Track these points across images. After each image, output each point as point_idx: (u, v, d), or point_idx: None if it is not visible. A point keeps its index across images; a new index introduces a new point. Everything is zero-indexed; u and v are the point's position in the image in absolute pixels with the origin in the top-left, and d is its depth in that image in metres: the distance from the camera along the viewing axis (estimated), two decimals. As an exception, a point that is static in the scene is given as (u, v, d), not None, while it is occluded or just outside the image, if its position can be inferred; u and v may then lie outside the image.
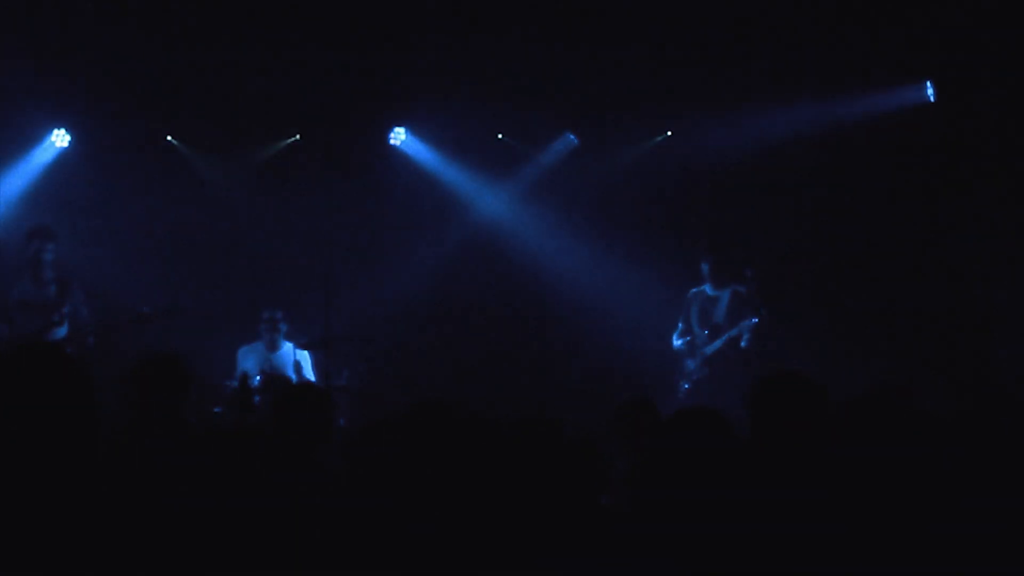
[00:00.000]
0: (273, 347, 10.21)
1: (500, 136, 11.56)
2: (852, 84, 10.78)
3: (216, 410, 9.42)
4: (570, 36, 10.49)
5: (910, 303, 10.90)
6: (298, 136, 11.44)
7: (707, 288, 10.01)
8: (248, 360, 10.13)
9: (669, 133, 11.48)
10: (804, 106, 10.87)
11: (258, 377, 9.64)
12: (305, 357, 10.21)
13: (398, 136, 11.62)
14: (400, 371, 11.06)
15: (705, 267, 9.94)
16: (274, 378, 9.62)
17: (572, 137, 11.69)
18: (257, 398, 9.25)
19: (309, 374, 10.12)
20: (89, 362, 8.91)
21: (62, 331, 9.34)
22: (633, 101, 11.08)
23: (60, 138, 11.09)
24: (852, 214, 11.14)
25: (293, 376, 9.88)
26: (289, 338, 10.23)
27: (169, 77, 10.74)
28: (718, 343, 9.81)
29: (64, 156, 11.16)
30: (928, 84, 10.85)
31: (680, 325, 10.10)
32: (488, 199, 11.77)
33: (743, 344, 9.62)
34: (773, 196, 11.14)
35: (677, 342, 10.09)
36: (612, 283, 11.41)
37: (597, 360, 11.30)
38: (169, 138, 11.29)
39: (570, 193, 11.64)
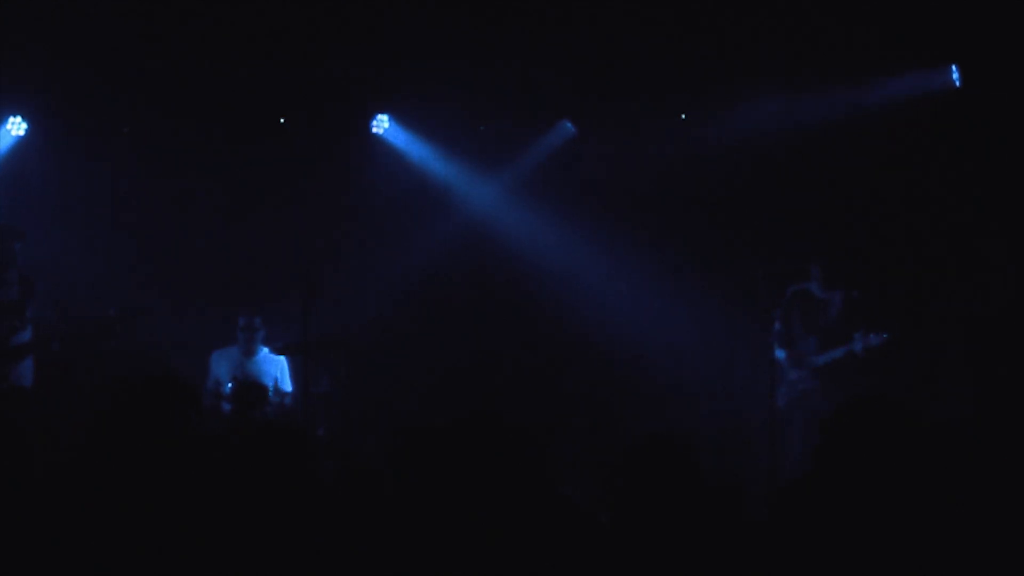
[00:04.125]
0: (249, 353, 10.03)
1: (482, 128, 11.36)
2: (873, 69, 10.47)
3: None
4: (568, 15, 10.23)
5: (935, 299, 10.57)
6: (282, 121, 11.19)
7: (814, 289, 9.49)
8: (221, 366, 9.99)
9: (684, 116, 11.15)
10: (820, 93, 10.55)
11: (230, 384, 9.51)
12: (282, 364, 10.02)
13: (381, 124, 11.34)
14: (384, 377, 10.85)
15: (817, 269, 9.44)
16: (246, 386, 9.45)
17: (569, 125, 11.39)
18: (227, 406, 9.23)
19: (286, 384, 9.99)
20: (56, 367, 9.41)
21: (26, 335, 9.22)
22: (636, 85, 10.77)
23: (16, 126, 10.83)
24: (868, 206, 10.78)
25: (268, 384, 9.65)
26: (266, 343, 10.07)
27: (135, 62, 10.45)
28: (836, 353, 9.24)
29: (21, 145, 10.90)
30: (954, 68, 10.54)
31: (778, 326, 9.41)
32: (479, 192, 11.52)
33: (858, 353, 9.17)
34: (789, 188, 10.88)
35: (779, 351, 9.47)
36: (612, 283, 11.20)
37: (595, 363, 11.14)
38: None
39: (567, 186, 11.37)
